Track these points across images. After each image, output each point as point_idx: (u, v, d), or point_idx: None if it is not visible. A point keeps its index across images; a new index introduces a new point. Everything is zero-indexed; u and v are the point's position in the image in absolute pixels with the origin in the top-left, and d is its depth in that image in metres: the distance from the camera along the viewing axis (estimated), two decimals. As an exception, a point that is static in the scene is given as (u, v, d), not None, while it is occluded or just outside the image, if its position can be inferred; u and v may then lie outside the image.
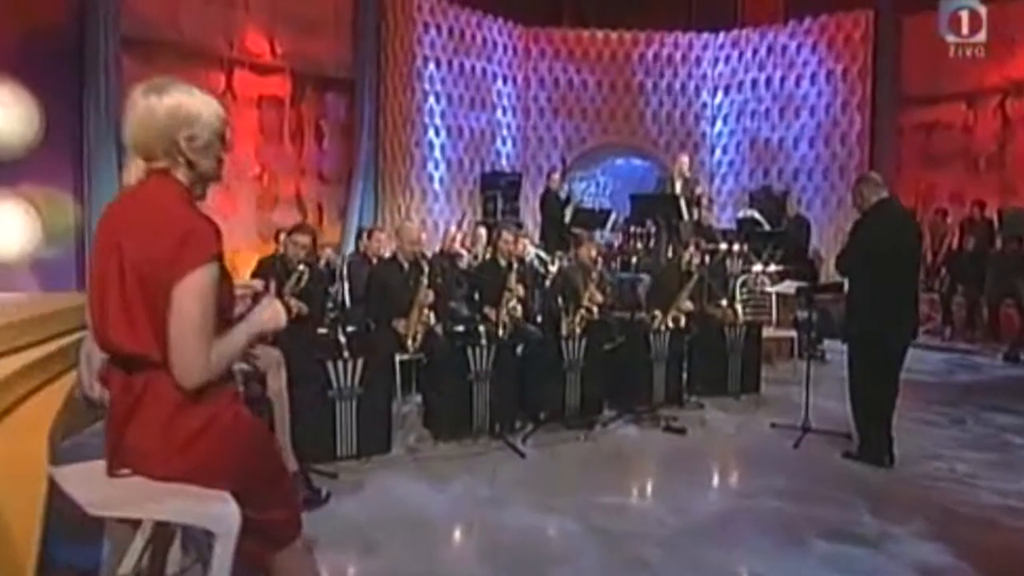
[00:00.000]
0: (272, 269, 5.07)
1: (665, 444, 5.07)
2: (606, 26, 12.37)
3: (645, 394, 5.69)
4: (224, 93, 9.47)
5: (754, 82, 12.09)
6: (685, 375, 6.06)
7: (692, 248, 6.83)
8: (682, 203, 8.67)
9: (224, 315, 1.88)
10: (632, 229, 9.56)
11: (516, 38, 12.21)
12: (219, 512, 1.81)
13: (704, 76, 12.50)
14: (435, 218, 11.02)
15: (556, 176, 9.92)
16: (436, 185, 11.23)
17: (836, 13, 11.30)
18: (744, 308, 7.36)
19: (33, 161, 7.43)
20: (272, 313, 2.03)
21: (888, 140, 11.10)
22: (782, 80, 11.83)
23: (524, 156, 12.41)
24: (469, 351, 4.92)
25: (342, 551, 3.25)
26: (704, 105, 12.53)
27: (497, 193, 10.89)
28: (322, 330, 4.73)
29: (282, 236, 5.98)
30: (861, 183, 4.81)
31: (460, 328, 5.36)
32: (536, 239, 9.44)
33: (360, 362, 4.47)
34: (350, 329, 5.12)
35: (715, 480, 4.54)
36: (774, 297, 7.41)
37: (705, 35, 12.45)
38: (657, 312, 6.24)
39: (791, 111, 11.75)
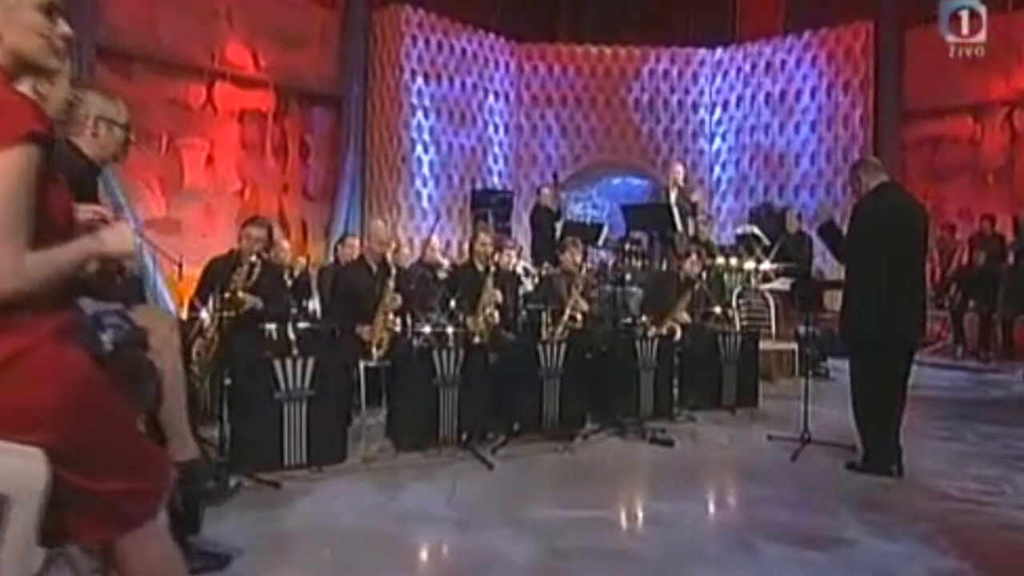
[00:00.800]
0: (226, 265, 4.72)
1: (650, 456, 4.63)
2: (602, 42, 12.17)
3: (631, 405, 5.26)
4: (205, 106, 9.25)
5: (753, 97, 11.80)
6: (676, 388, 5.64)
7: (693, 256, 6.43)
8: (676, 213, 8.31)
9: (55, 228, 1.51)
10: (627, 246, 9.17)
11: (509, 54, 12.01)
12: (15, 469, 1.39)
13: (702, 92, 12.25)
14: (423, 235, 10.67)
15: (547, 191, 9.56)
16: (424, 202, 10.93)
17: (836, 26, 11.03)
18: (741, 320, 6.95)
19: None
20: (117, 232, 1.66)
21: (892, 154, 10.67)
22: (782, 95, 11.53)
23: (516, 174, 12.13)
24: (435, 355, 4.50)
25: (261, 561, 2.83)
26: (702, 121, 12.26)
27: (488, 211, 10.55)
28: (270, 326, 4.33)
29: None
30: (859, 168, 4.44)
31: (426, 329, 4.95)
32: (528, 255, 9.06)
33: (311, 362, 4.08)
34: (301, 326, 4.70)
35: (702, 493, 4.07)
36: (772, 308, 6.99)
37: (702, 50, 12.23)
38: (644, 318, 5.84)
39: (791, 126, 11.43)
